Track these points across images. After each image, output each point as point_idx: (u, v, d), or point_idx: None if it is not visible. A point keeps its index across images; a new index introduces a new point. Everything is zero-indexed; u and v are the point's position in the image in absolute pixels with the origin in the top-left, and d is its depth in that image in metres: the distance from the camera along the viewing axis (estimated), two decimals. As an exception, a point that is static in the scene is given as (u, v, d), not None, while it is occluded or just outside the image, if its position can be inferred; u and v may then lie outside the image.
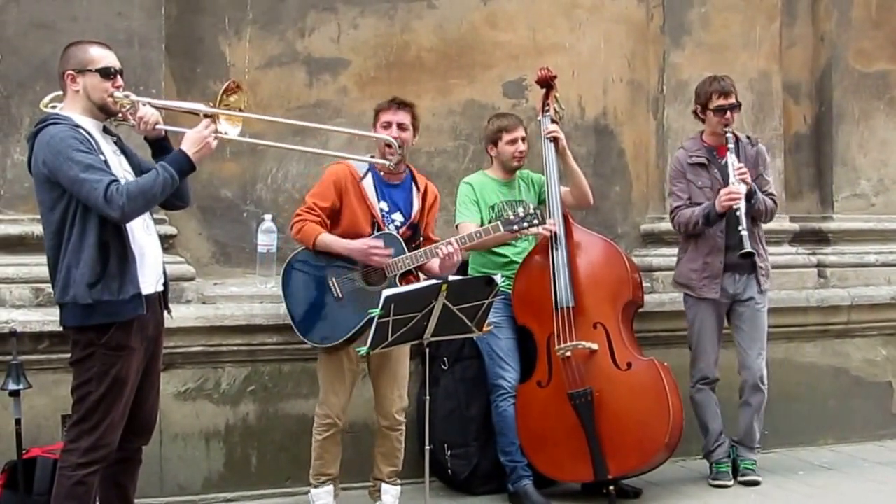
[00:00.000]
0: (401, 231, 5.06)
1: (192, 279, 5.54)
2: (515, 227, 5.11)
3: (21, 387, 4.70)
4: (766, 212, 5.72)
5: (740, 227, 5.43)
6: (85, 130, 3.98)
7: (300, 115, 5.90)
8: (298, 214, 5.04)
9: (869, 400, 6.91)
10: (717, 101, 5.69)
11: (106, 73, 4.05)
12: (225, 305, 5.56)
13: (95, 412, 3.97)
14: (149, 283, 4.09)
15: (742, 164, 5.58)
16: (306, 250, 5.05)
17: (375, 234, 5.00)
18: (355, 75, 6.09)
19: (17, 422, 4.73)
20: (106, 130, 4.18)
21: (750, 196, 5.54)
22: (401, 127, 5.06)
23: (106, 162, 3.96)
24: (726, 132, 5.65)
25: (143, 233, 4.10)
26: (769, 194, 5.77)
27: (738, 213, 5.45)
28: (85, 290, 3.92)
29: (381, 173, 5.10)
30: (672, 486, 5.79)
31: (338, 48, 6.06)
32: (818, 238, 7.02)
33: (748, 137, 5.93)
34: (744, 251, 5.43)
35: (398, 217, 5.09)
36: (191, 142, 4.01)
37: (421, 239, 5.15)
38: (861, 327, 6.90)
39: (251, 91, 5.82)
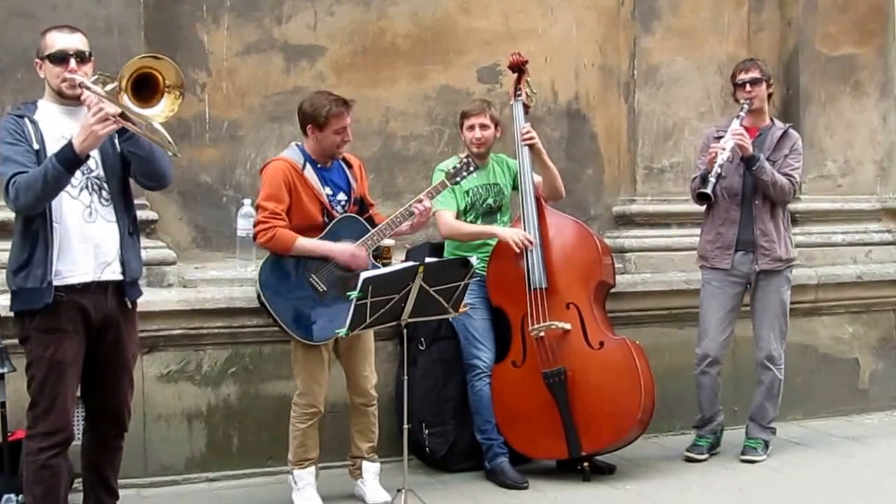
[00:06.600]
0: (348, 209, 5.11)
1: (172, 263, 5.59)
2: (458, 178, 5.28)
3: (6, 370, 4.76)
4: (772, 185, 5.71)
5: (710, 175, 5.58)
6: (30, 119, 3.97)
7: (278, 102, 6.00)
8: (264, 222, 4.94)
9: (836, 376, 7.03)
10: (739, 76, 5.89)
11: (55, 59, 3.98)
12: (206, 289, 5.62)
13: (41, 396, 3.99)
14: (83, 270, 4.00)
15: (741, 129, 5.70)
16: (273, 257, 5.01)
17: (336, 219, 5.03)
18: (332, 61, 6.14)
19: (2, 405, 4.79)
20: None
21: (751, 163, 5.67)
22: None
23: (39, 151, 3.91)
24: (743, 105, 5.79)
25: (80, 220, 4.00)
26: (787, 175, 5.82)
27: (716, 162, 5.59)
28: (10, 276, 4.01)
29: (317, 163, 5.11)
30: (645, 463, 5.87)
31: (314, 35, 6.11)
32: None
33: (785, 124, 6.04)
34: (700, 191, 5.64)
35: (342, 197, 5.12)
36: (79, 131, 3.81)
37: (369, 211, 5.25)
38: (828, 305, 7.01)
39: (229, 78, 5.93)
